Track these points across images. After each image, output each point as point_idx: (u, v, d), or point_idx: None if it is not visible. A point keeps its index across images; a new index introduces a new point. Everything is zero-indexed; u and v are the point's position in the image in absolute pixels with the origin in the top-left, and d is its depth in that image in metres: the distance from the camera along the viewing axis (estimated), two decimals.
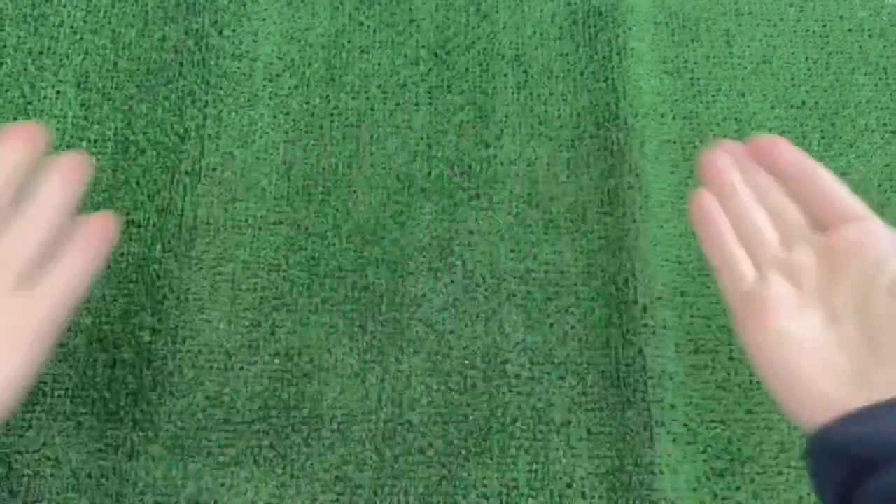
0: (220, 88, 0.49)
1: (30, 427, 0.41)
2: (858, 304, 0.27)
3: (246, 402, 0.43)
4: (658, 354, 0.44)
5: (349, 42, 0.52)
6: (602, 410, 0.43)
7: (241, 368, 0.44)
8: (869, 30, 0.54)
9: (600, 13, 0.53)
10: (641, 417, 0.43)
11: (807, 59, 0.53)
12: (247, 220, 0.47)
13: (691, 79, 0.52)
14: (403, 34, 0.52)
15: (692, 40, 0.54)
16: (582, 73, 0.51)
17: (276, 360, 0.44)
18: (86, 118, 0.48)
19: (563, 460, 0.42)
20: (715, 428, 0.43)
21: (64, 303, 0.29)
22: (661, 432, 0.43)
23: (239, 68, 0.50)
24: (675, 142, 0.50)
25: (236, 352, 0.44)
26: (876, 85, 0.52)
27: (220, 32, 0.51)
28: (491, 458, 0.42)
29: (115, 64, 0.49)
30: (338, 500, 0.41)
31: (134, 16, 0.51)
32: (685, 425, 0.43)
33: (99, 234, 0.31)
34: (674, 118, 0.51)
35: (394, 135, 0.49)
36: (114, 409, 0.42)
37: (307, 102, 0.50)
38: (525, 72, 0.51)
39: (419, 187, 0.48)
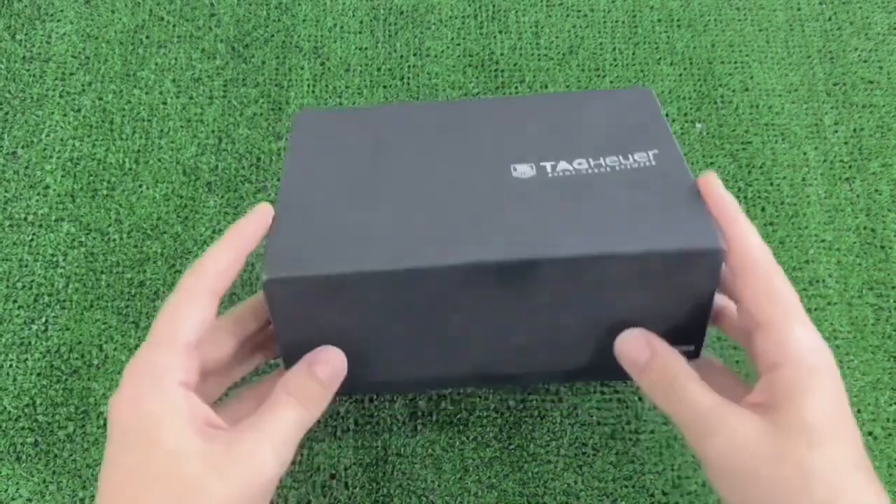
0: (8, 92, 0.49)
1: None
2: None
3: (13, 399, 0.43)
4: None
5: (147, 38, 0.51)
6: (372, 401, 0.43)
7: (11, 366, 0.44)
8: (678, 20, 0.54)
9: (402, 12, 0.53)
10: (408, 408, 0.43)
11: (614, 49, 0.54)
12: (26, 219, 0.47)
13: (495, 71, 0.53)
14: (202, 28, 0.52)
15: (501, 32, 0.54)
16: (379, 69, 0.51)
17: (47, 357, 0.44)
18: None
19: (328, 451, 0.42)
20: (486, 416, 0.43)
21: None
22: (427, 422, 0.43)
23: (28, 70, 0.50)
24: None
25: (7, 350, 0.44)
26: (680, 75, 0.53)
27: (14, 36, 0.51)
28: None
29: None
30: None
31: None
32: (455, 415, 0.43)
33: None
34: None
35: (184, 129, 0.49)
36: None
37: (100, 99, 0.50)
38: (322, 64, 0.51)
39: (205, 181, 0.48)
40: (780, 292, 0.30)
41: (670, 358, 0.32)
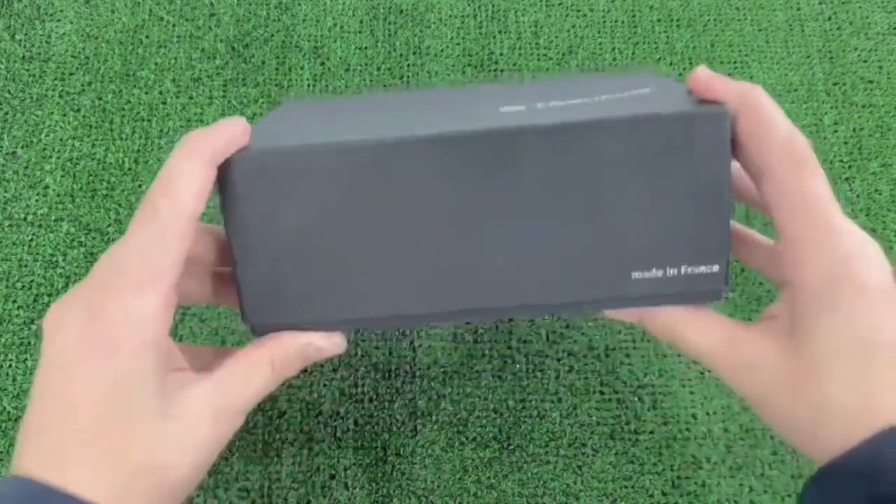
0: (8, 92, 0.49)
1: None
2: None
3: (13, 399, 0.43)
4: (430, 344, 0.44)
5: (147, 38, 0.51)
6: (371, 402, 0.43)
7: (11, 366, 0.44)
8: (677, 20, 0.54)
9: (401, 11, 0.53)
10: (408, 408, 0.43)
11: (613, 48, 0.54)
12: (26, 219, 0.47)
13: (495, 70, 0.52)
14: (202, 28, 0.52)
15: (500, 31, 0.54)
16: (379, 69, 0.51)
17: None
18: None
19: (328, 451, 0.42)
20: (486, 416, 0.43)
21: None
22: (427, 422, 0.43)
23: (28, 70, 0.50)
24: None
25: (7, 350, 0.44)
26: (680, 75, 0.53)
27: (13, 36, 0.51)
28: (254, 451, 0.42)
29: None
30: None
31: None
32: (455, 415, 0.43)
33: None
34: None
35: (184, 129, 0.49)
36: None
37: (99, 98, 0.50)
38: (322, 64, 0.51)
39: None
40: (804, 198, 0.25)
41: (661, 312, 0.29)
